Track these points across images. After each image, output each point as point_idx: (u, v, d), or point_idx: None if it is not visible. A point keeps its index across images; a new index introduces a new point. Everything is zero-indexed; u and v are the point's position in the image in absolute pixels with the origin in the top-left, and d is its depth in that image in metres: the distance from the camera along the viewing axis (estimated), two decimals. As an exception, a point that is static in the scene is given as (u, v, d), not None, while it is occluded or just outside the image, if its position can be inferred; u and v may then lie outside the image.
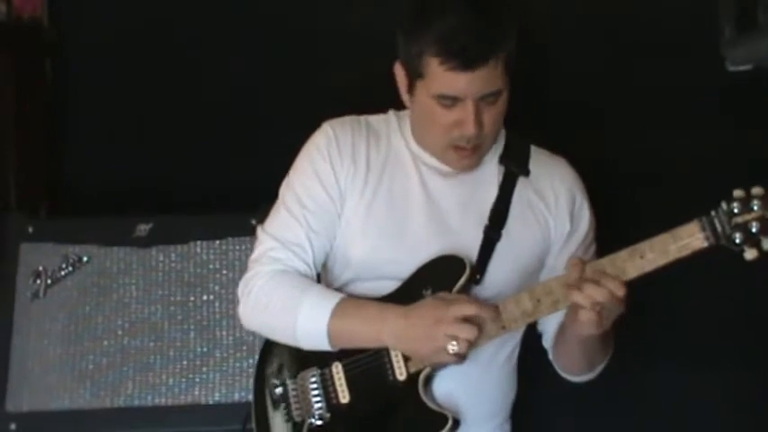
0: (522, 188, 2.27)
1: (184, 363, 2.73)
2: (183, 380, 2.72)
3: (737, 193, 1.98)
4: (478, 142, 2.18)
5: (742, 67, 2.84)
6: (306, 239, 2.24)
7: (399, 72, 2.22)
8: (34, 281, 2.82)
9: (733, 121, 2.86)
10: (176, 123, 3.05)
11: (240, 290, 2.27)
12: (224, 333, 2.73)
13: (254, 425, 2.33)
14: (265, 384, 2.31)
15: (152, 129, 3.07)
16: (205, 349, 2.73)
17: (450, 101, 2.12)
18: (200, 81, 3.05)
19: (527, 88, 2.60)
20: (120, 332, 2.76)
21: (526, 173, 2.28)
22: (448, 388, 2.18)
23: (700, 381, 2.85)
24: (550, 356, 2.35)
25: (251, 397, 2.37)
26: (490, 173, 2.28)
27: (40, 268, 2.82)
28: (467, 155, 2.20)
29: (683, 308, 2.86)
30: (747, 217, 1.97)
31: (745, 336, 2.87)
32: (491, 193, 2.26)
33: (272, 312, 2.20)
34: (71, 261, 2.81)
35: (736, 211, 1.97)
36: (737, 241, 1.97)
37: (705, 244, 1.99)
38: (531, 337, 2.36)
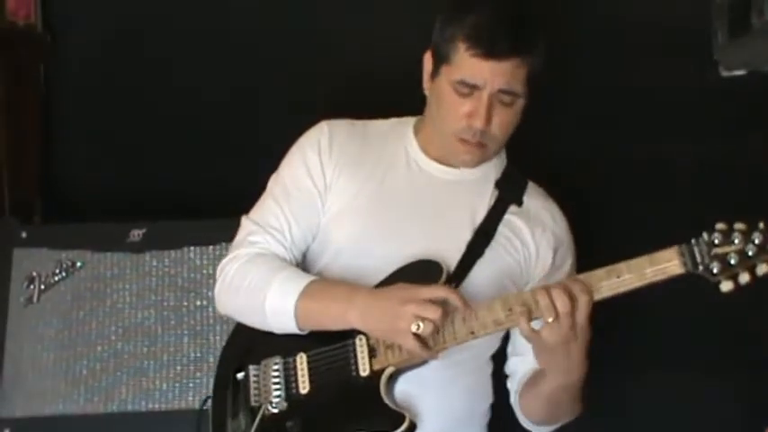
0: (512, 215, 2.30)
1: (178, 368, 2.72)
2: (177, 385, 2.71)
3: (720, 225, 1.99)
4: (484, 140, 2.22)
5: (736, 73, 2.84)
6: (286, 224, 2.28)
7: (428, 60, 2.28)
8: (28, 286, 2.81)
9: (727, 127, 2.86)
10: (170, 128, 3.05)
11: (217, 273, 2.30)
12: (217, 338, 2.72)
13: (211, 405, 2.35)
14: (227, 367, 2.32)
15: (146, 134, 3.06)
16: (198, 354, 2.72)
17: (468, 89, 2.18)
18: (194, 85, 3.04)
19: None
20: (113, 337, 2.75)
21: (519, 203, 2.32)
22: (409, 390, 2.17)
23: (699, 386, 2.85)
24: (512, 399, 2.34)
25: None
26: (484, 191, 2.31)
27: (34, 273, 2.82)
28: (470, 149, 2.23)
29: (677, 311, 2.86)
30: (727, 249, 1.98)
31: (739, 340, 2.88)
32: (480, 211, 2.29)
33: (243, 292, 2.22)
34: (65, 266, 2.81)
35: (716, 242, 1.99)
36: (715, 271, 1.98)
37: (682, 270, 2.00)
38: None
